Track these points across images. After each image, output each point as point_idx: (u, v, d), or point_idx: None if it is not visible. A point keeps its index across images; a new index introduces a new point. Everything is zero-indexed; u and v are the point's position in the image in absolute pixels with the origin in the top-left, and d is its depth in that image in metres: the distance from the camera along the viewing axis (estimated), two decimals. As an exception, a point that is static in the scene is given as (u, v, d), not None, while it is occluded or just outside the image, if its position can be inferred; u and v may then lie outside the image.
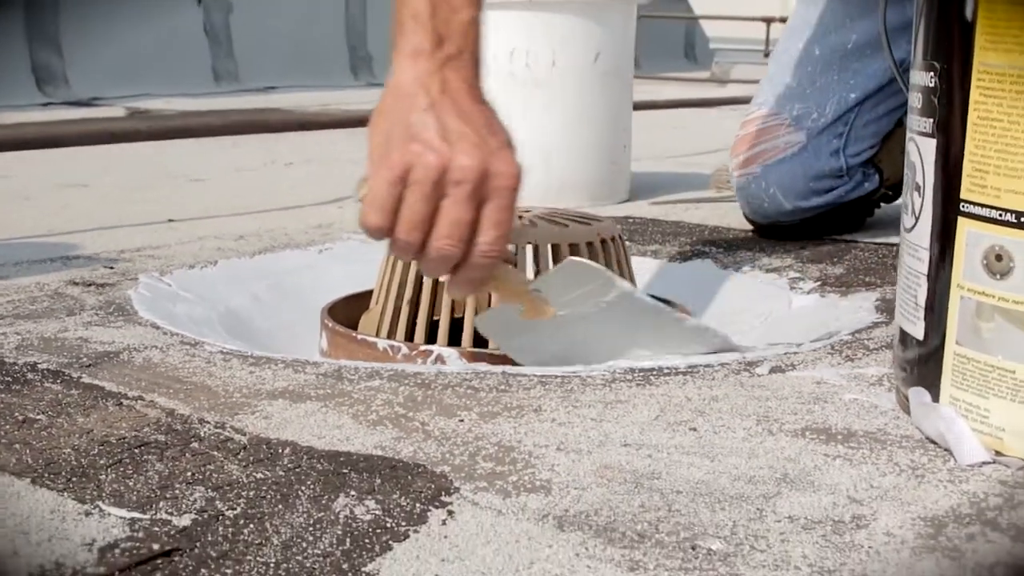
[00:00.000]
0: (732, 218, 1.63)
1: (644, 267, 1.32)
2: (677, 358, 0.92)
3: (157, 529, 0.58)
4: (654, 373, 0.87)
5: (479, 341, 1.01)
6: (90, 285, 1.17)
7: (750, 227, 1.55)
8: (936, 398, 0.71)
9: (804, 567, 0.55)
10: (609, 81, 1.83)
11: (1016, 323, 0.66)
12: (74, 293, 1.13)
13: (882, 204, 1.56)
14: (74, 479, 0.65)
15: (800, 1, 1.54)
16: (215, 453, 0.69)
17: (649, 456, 0.69)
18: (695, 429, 0.74)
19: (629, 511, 0.61)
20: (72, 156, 2.58)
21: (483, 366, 0.91)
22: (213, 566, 0.54)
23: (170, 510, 0.61)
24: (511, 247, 0.92)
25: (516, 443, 0.71)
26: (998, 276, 0.66)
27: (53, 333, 0.97)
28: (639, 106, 2.25)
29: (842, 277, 1.25)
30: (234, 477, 0.65)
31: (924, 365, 0.72)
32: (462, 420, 0.76)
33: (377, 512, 0.61)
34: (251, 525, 0.59)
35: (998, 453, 0.68)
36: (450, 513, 0.61)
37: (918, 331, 0.73)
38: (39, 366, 0.87)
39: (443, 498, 0.63)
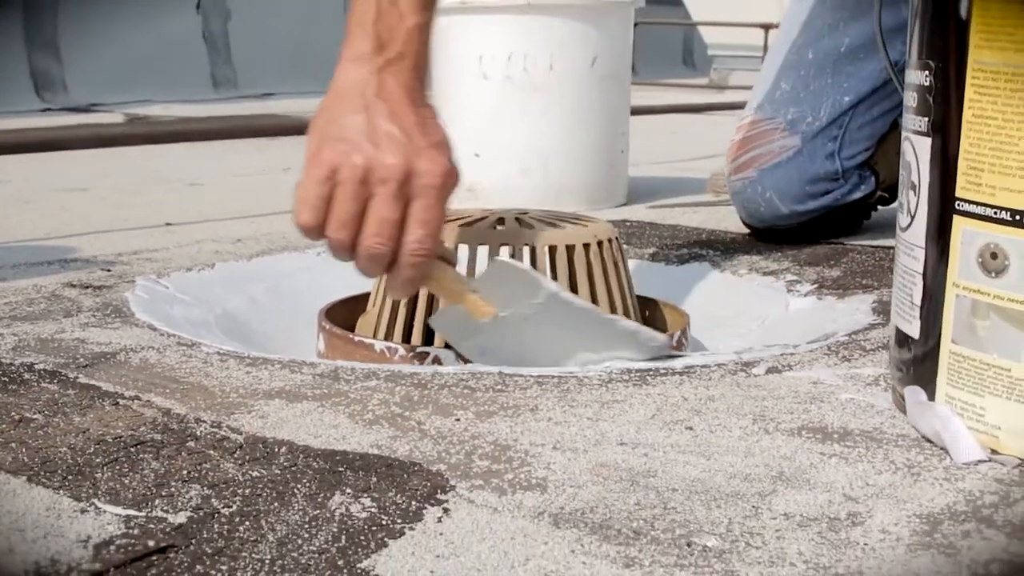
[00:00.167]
0: (729, 222, 1.63)
1: (641, 270, 1.32)
2: (674, 360, 0.92)
3: (153, 526, 0.58)
4: (650, 373, 0.87)
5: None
6: (87, 287, 1.17)
7: (747, 230, 1.55)
8: (932, 397, 0.71)
9: (799, 564, 0.55)
10: (607, 85, 1.83)
11: (1011, 321, 0.66)
12: (71, 295, 1.13)
13: (879, 207, 1.56)
14: (70, 477, 0.65)
15: (792, 5, 1.54)
16: (211, 452, 0.69)
17: (645, 455, 0.69)
18: (691, 428, 0.74)
19: (625, 509, 0.61)
20: (70, 160, 2.58)
21: (480, 367, 0.91)
22: (208, 562, 0.54)
23: (166, 507, 0.61)
24: (450, 246, 0.91)
25: (512, 442, 0.71)
26: (993, 274, 0.66)
27: (50, 334, 0.97)
28: (637, 111, 2.26)
29: (839, 280, 1.25)
30: (230, 475, 0.65)
31: (920, 364, 0.72)
32: (458, 419, 0.76)
33: (373, 510, 0.61)
34: (247, 522, 0.59)
35: (994, 451, 0.68)
36: (446, 511, 0.61)
37: (914, 330, 0.73)
38: (36, 366, 0.87)
39: (439, 496, 0.63)
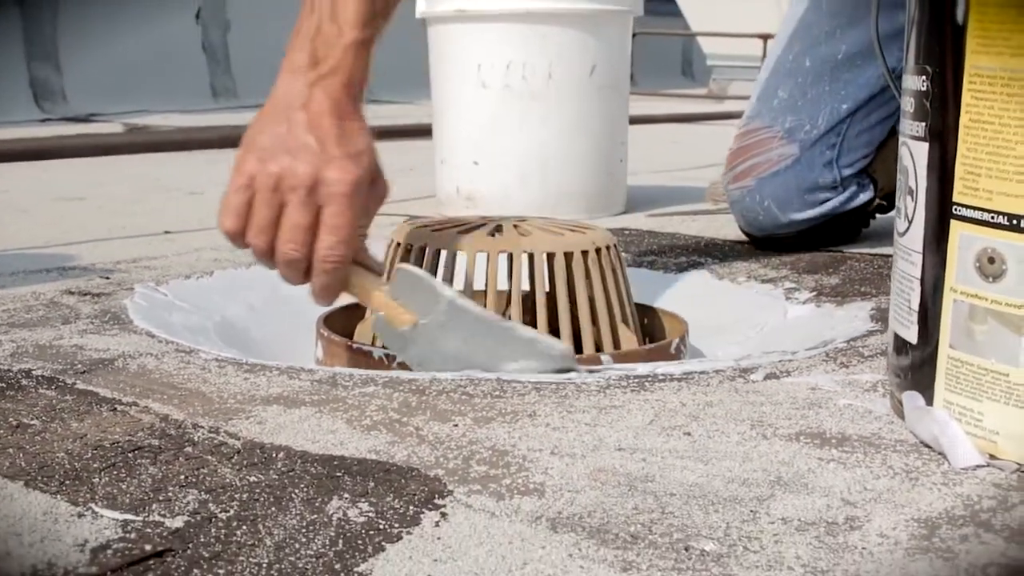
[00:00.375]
0: (728, 230, 1.63)
1: (640, 278, 1.32)
2: (672, 365, 0.92)
3: (150, 530, 0.58)
4: (649, 379, 0.87)
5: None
6: (86, 295, 1.17)
7: (746, 239, 1.55)
8: (930, 402, 0.71)
9: (797, 568, 0.55)
10: (605, 94, 1.84)
11: (1009, 326, 0.66)
12: (70, 302, 1.13)
13: (877, 216, 1.56)
14: (67, 482, 0.65)
15: (789, 13, 1.54)
16: (209, 457, 0.69)
17: (643, 460, 0.69)
18: (689, 434, 0.74)
19: (622, 513, 0.61)
20: (68, 170, 2.58)
21: (478, 373, 0.90)
22: (205, 566, 0.54)
23: (163, 512, 0.60)
24: (373, 252, 0.92)
25: (510, 447, 0.71)
26: (991, 279, 0.66)
27: (48, 341, 0.97)
28: (636, 120, 2.26)
29: (838, 287, 1.26)
30: (227, 480, 0.65)
31: (918, 369, 0.72)
32: (456, 425, 0.76)
33: (370, 514, 0.61)
34: (244, 527, 0.59)
35: (992, 456, 0.68)
36: (443, 515, 0.61)
37: (911, 335, 0.73)
38: (34, 372, 0.87)
39: (436, 500, 0.63)
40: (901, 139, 0.74)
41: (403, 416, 0.78)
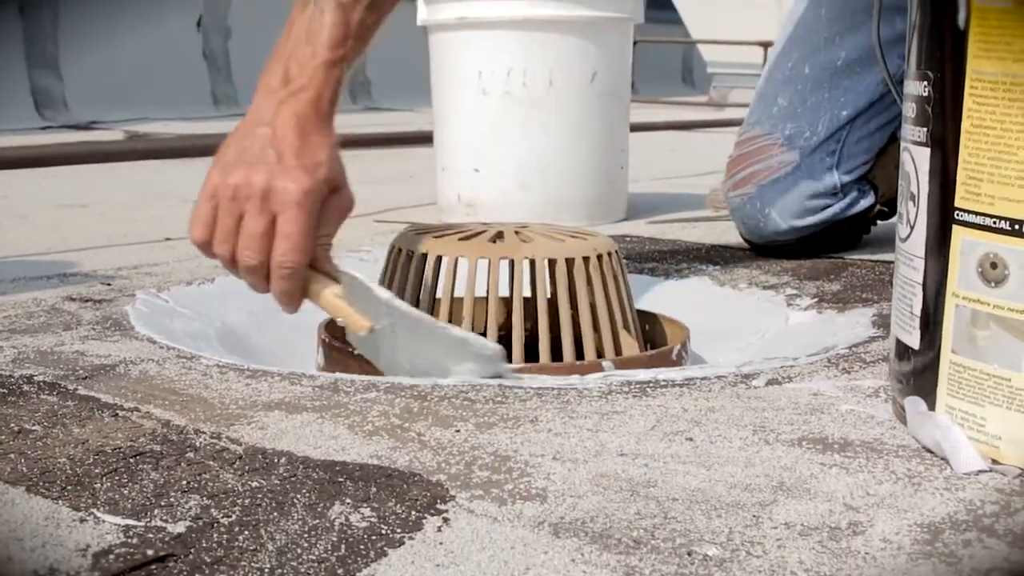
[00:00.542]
0: (729, 236, 1.63)
1: (642, 284, 1.32)
2: (674, 371, 0.92)
3: (152, 536, 0.58)
4: (651, 385, 0.87)
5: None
6: (87, 301, 1.17)
7: (747, 245, 1.55)
8: (932, 407, 0.71)
9: (800, 572, 0.55)
10: (606, 101, 1.84)
11: (1011, 331, 0.66)
12: (71, 309, 1.13)
13: (878, 222, 1.56)
14: (69, 487, 0.64)
15: (788, 20, 1.55)
16: (211, 463, 0.69)
17: (645, 465, 0.69)
18: (691, 439, 0.74)
19: (625, 518, 0.61)
20: (69, 177, 2.58)
21: (479, 379, 0.90)
22: (207, 571, 0.54)
23: (165, 517, 0.60)
24: (337, 262, 0.94)
25: (512, 453, 0.71)
26: (993, 284, 0.66)
27: (50, 347, 0.97)
28: (637, 128, 2.26)
29: (839, 294, 1.25)
30: (229, 486, 0.65)
31: (920, 374, 0.72)
32: (458, 431, 0.76)
33: (372, 519, 0.60)
34: (246, 532, 0.59)
35: (995, 461, 0.68)
36: (445, 520, 0.61)
37: (914, 340, 0.73)
38: (35, 378, 0.87)
39: (439, 506, 0.63)
40: (903, 144, 0.74)
41: (405, 422, 0.77)
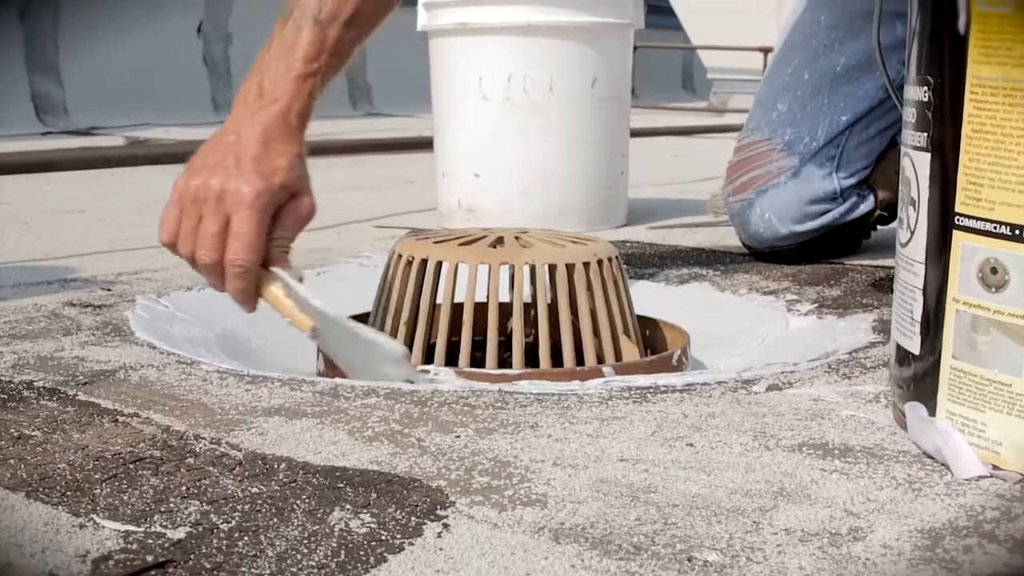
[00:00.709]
0: (729, 242, 1.63)
1: (642, 289, 1.32)
2: (674, 377, 0.92)
3: (151, 541, 0.58)
4: (651, 391, 0.87)
5: (476, 362, 1.01)
6: (87, 306, 1.17)
7: (747, 251, 1.55)
8: (932, 412, 0.71)
9: (801, 578, 0.54)
10: (606, 106, 1.84)
11: (1012, 336, 0.66)
12: (71, 314, 1.13)
13: (878, 227, 1.56)
14: (68, 493, 0.64)
15: (788, 26, 1.55)
16: (210, 468, 0.69)
17: (646, 471, 0.69)
18: (692, 444, 0.74)
19: (625, 524, 0.61)
20: (70, 182, 2.59)
21: (480, 385, 0.90)
22: (207, 577, 0.54)
23: (164, 523, 0.60)
24: (294, 266, 0.97)
25: (512, 458, 0.71)
26: (993, 289, 0.66)
27: (49, 352, 0.97)
28: (637, 133, 2.26)
29: (839, 299, 1.25)
30: (229, 491, 0.65)
31: (920, 380, 0.72)
32: (458, 436, 0.76)
33: (372, 525, 0.60)
34: (245, 538, 0.59)
35: (995, 467, 0.68)
36: (445, 526, 0.60)
37: (914, 346, 0.73)
38: (35, 384, 0.87)
39: (439, 512, 0.62)
40: (903, 150, 0.74)
41: (405, 427, 0.77)
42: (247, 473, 0.68)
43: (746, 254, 1.55)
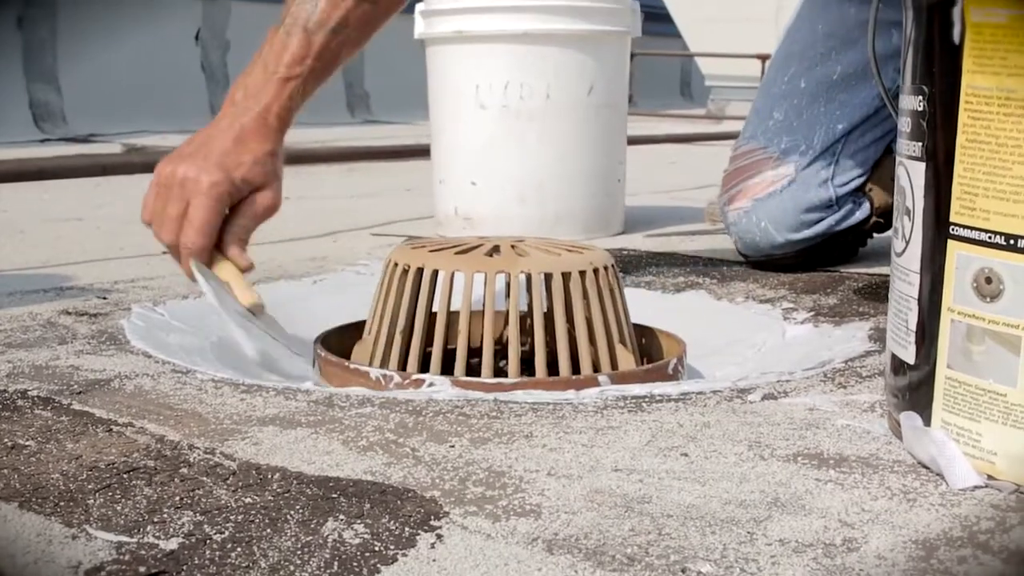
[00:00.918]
0: (726, 250, 1.63)
1: (638, 298, 1.32)
2: (670, 386, 0.92)
3: (144, 552, 0.58)
4: (646, 400, 0.87)
5: (472, 371, 1.01)
6: (83, 315, 1.16)
7: (744, 259, 1.55)
8: (928, 422, 0.71)
9: (795, 589, 0.54)
10: (603, 114, 1.84)
11: (1006, 346, 0.66)
12: (66, 323, 1.13)
13: (875, 234, 1.56)
14: (62, 503, 0.64)
15: (784, 35, 1.55)
16: (204, 478, 0.69)
17: (640, 481, 0.69)
18: (686, 454, 0.74)
19: (619, 535, 0.61)
20: (66, 190, 2.58)
21: (475, 394, 0.90)
22: (199, 589, 0.54)
23: (157, 534, 0.60)
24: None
25: (507, 468, 0.71)
26: (988, 299, 0.66)
27: (44, 361, 0.97)
28: (635, 141, 2.27)
29: (835, 307, 1.25)
30: (223, 502, 0.65)
31: (915, 389, 0.72)
32: (453, 446, 0.76)
33: (366, 536, 0.60)
34: (239, 549, 0.58)
35: (990, 477, 0.68)
36: (439, 537, 0.60)
37: (909, 355, 0.73)
38: (29, 393, 0.87)
39: (432, 522, 0.62)
40: (898, 159, 0.74)
41: (399, 437, 0.77)
42: (241, 483, 0.68)
43: (743, 262, 1.55)
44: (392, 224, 1.99)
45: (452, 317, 1.03)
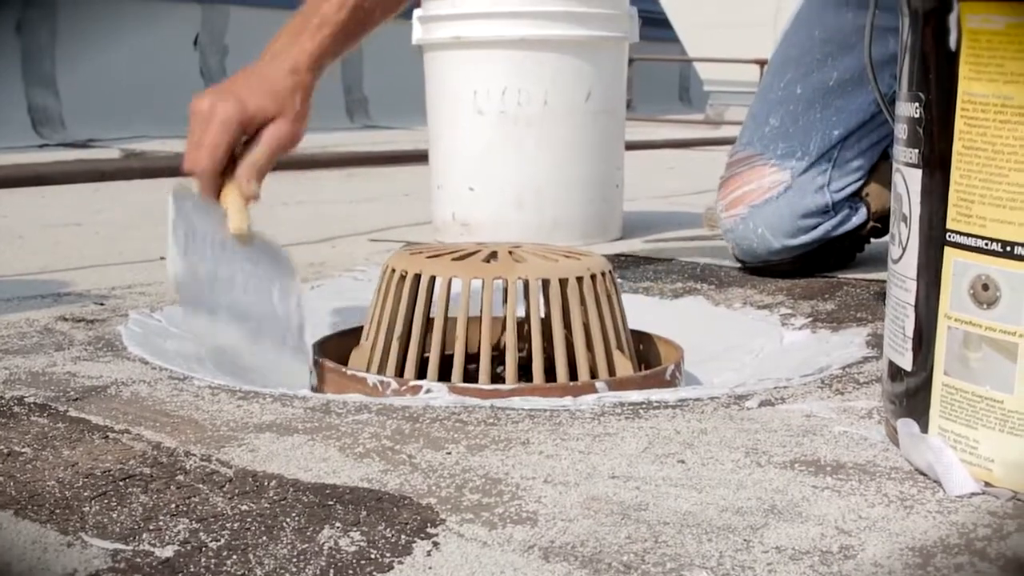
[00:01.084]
0: (724, 256, 1.63)
1: (636, 304, 1.32)
2: (667, 392, 0.92)
3: (139, 560, 0.58)
4: (643, 406, 0.87)
5: (469, 377, 1.01)
6: (80, 321, 1.16)
7: (741, 265, 1.55)
8: (925, 429, 0.71)
9: (791, 597, 0.54)
10: (601, 120, 1.84)
11: (1003, 352, 0.66)
12: (64, 329, 1.13)
13: (872, 240, 1.56)
14: (57, 511, 0.64)
15: (781, 41, 1.55)
16: (200, 486, 0.69)
17: (637, 488, 0.69)
18: (683, 461, 0.74)
19: (615, 542, 0.61)
20: (65, 196, 2.58)
21: (472, 400, 0.90)
22: (195, 597, 0.54)
23: (153, 542, 0.60)
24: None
25: (503, 475, 0.71)
26: (985, 306, 0.66)
27: (41, 368, 0.97)
28: (633, 146, 2.27)
29: (833, 313, 1.25)
30: (219, 509, 0.65)
31: (912, 396, 0.72)
32: (449, 453, 0.75)
33: (362, 543, 0.60)
34: (234, 556, 0.58)
35: (987, 484, 0.68)
36: (435, 544, 0.60)
37: (906, 362, 0.72)
38: (26, 400, 0.87)
39: (428, 530, 0.62)
40: (895, 166, 0.74)
41: (396, 444, 0.77)
42: (237, 490, 0.68)
43: (740, 268, 1.55)
44: (390, 230, 1.99)
45: (449, 323, 1.03)
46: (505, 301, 1.03)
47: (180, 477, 0.70)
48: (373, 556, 0.59)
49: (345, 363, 1.07)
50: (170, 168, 3.02)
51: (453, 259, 1.05)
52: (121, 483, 0.69)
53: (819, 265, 1.51)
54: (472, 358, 1.03)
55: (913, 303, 0.71)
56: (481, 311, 1.02)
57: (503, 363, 1.02)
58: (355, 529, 0.62)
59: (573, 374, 1.01)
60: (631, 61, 1.96)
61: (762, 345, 1.20)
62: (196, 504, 0.66)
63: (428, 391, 0.95)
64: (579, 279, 1.03)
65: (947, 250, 0.68)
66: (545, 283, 1.03)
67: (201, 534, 0.61)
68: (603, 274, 1.06)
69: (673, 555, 0.59)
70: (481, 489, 0.69)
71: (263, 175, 1.05)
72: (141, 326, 1.15)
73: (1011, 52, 0.63)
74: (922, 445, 0.70)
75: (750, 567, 0.57)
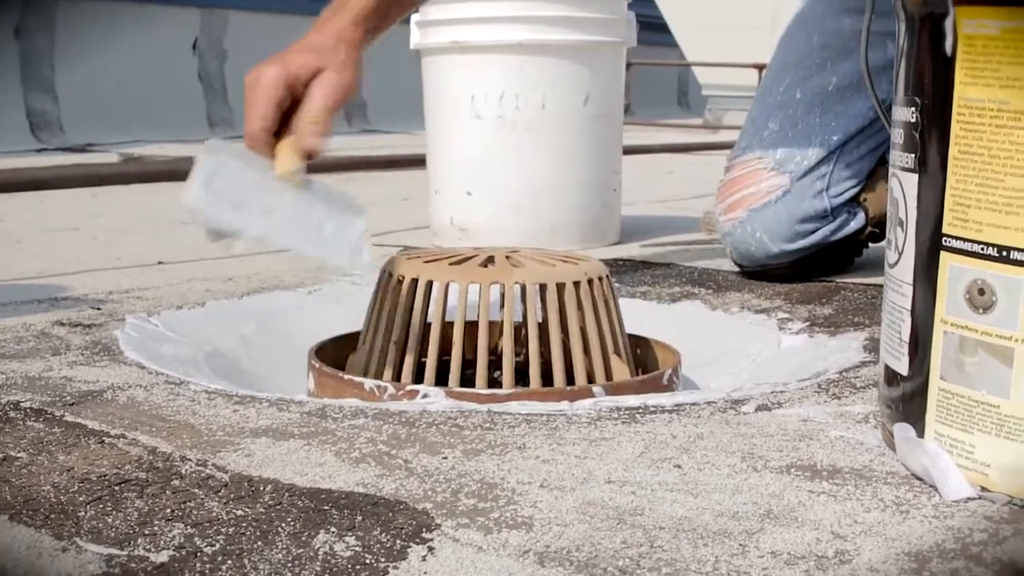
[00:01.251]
0: (722, 260, 1.63)
1: (633, 308, 1.32)
2: (663, 397, 0.92)
3: (134, 565, 0.58)
4: (640, 411, 0.87)
5: (466, 381, 1.01)
6: (76, 326, 1.16)
7: (739, 269, 1.55)
8: (921, 433, 0.71)
9: (787, 602, 0.54)
10: (599, 124, 1.84)
11: (999, 357, 0.66)
12: (60, 333, 1.12)
13: (870, 244, 1.56)
14: (52, 516, 0.64)
15: (780, 45, 1.55)
16: (196, 490, 0.69)
17: (633, 493, 0.69)
18: (679, 466, 0.74)
19: (611, 547, 0.61)
20: (64, 200, 2.58)
21: (469, 405, 0.90)
22: (189, 602, 0.54)
23: (148, 547, 0.60)
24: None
25: (499, 480, 0.71)
26: (981, 310, 0.66)
27: (37, 372, 0.97)
28: (632, 151, 2.27)
29: (831, 317, 1.25)
30: (214, 514, 0.65)
31: (909, 401, 0.72)
32: (445, 458, 0.75)
33: (357, 548, 0.60)
34: (229, 561, 0.58)
35: (983, 489, 0.68)
36: (430, 549, 0.60)
37: (902, 367, 0.72)
38: (22, 404, 0.87)
39: (424, 535, 0.62)
40: (891, 170, 0.74)
41: (392, 448, 0.77)
42: (232, 495, 0.68)
43: (738, 272, 1.55)
44: (388, 234, 1.99)
45: (446, 328, 1.03)
46: (502, 306, 1.03)
47: (176, 482, 0.70)
48: (368, 561, 0.58)
49: (342, 368, 1.07)
50: (168, 172, 3.03)
51: (451, 263, 1.05)
52: (116, 488, 0.69)
53: (817, 269, 1.51)
54: (469, 363, 1.03)
55: (909, 308, 0.71)
56: (478, 316, 1.01)
57: (500, 368, 1.02)
58: (350, 534, 0.62)
59: (570, 378, 1.01)
60: (629, 65, 1.96)
61: (759, 349, 1.20)
62: (191, 509, 0.65)
63: (425, 396, 0.95)
64: (576, 283, 1.03)
65: (943, 255, 0.68)
66: (542, 287, 1.03)
67: (196, 539, 0.61)
68: (600, 278, 1.06)
69: (669, 560, 0.59)
70: (477, 494, 0.68)
71: (320, 130, 1.02)
72: (138, 331, 1.15)
73: (1007, 57, 0.63)
74: (918, 450, 0.70)
75: (746, 572, 0.57)
